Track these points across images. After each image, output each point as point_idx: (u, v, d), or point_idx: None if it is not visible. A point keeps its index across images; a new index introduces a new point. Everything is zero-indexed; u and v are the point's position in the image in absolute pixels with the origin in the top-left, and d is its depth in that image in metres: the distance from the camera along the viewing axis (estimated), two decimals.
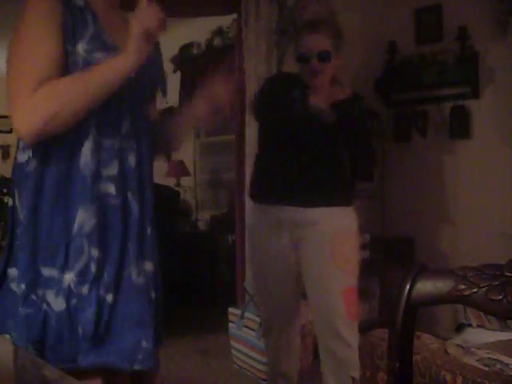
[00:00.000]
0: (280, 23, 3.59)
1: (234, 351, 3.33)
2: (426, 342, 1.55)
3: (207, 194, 5.94)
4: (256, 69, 3.57)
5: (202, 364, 3.49)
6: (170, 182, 5.47)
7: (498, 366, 1.43)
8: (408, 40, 3.79)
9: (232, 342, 3.34)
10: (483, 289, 0.86)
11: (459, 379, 1.35)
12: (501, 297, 0.84)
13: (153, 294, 1.47)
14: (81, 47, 1.37)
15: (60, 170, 1.39)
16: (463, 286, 0.88)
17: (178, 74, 5.54)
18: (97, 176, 1.38)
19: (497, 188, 3.41)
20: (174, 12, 3.38)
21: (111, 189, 1.39)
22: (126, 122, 1.44)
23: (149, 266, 1.46)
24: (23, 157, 1.48)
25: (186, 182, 5.81)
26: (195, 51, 5.35)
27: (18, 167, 1.49)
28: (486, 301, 0.86)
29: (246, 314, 3.28)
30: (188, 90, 5.14)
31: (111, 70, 1.34)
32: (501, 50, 3.35)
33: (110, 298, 1.37)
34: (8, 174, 1.89)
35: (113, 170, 1.40)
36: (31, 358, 1.09)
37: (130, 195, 1.43)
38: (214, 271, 5.08)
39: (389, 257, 3.58)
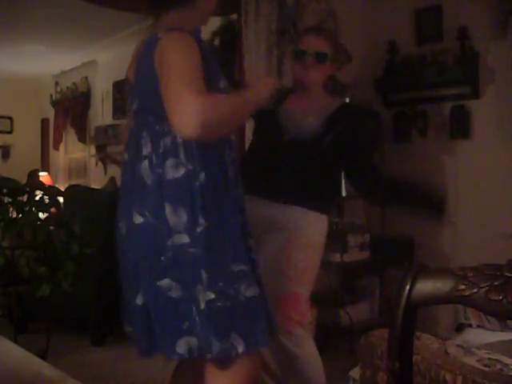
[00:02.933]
0: (280, 23, 3.59)
1: None
2: (425, 342, 1.55)
3: None
4: (256, 69, 3.57)
5: None
6: None
7: (498, 366, 1.43)
8: (408, 40, 3.79)
9: None
10: (483, 289, 0.86)
11: (459, 379, 1.35)
12: (501, 297, 0.84)
13: None
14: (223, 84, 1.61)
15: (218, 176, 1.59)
16: (463, 286, 0.88)
17: None
18: (233, 182, 1.66)
19: (497, 188, 3.41)
20: None
21: (240, 191, 1.70)
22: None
23: None
24: (179, 172, 1.53)
25: None
26: None
27: (176, 183, 1.53)
28: (486, 301, 0.86)
29: None
30: None
31: (249, 100, 1.61)
32: (501, 50, 3.35)
33: None
34: (8, 173, 1.89)
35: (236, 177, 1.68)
36: (31, 358, 1.09)
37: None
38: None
39: (389, 257, 3.59)
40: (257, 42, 3.58)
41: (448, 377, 1.38)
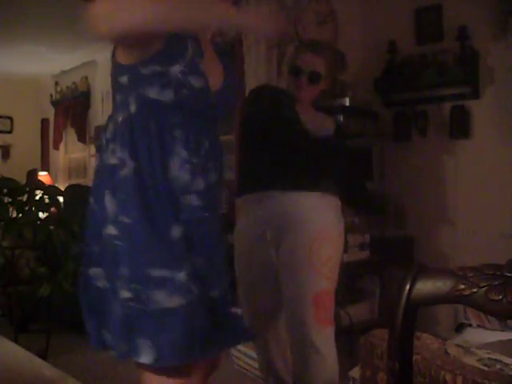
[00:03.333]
0: None
1: (234, 351, 3.32)
2: (425, 342, 1.55)
3: None
4: (256, 69, 3.57)
5: None
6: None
7: (498, 366, 1.43)
8: (408, 40, 3.79)
9: None
10: (483, 289, 0.86)
11: (459, 379, 1.35)
12: (501, 297, 0.84)
13: None
14: (177, 68, 1.38)
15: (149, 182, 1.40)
16: (463, 286, 0.88)
17: None
18: (185, 188, 1.43)
19: (497, 188, 3.41)
20: None
21: (197, 201, 1.46)
22: (208, 140, 1.49)
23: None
24: (113, 160, 1.43)
25: None
26: None
27: (109, 169, 1.43)
28: (486, 301, 0.86)
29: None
30: None
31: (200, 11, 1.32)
32: (501, 50, 3.35)
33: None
34: (8, 174, 1.89)
35: (197, 183, 1.45)
36: (31, 358, 1.09)
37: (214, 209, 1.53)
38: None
39: (389, 257, 3.58)
40: (257, 43, 3.58)
41: (448, 377, 1.38)
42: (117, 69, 1.47)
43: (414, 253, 3.71)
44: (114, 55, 1.48)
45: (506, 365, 1.45)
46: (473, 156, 3.52)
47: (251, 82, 3.56)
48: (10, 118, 8.02)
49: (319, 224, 2.21)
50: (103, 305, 1.45)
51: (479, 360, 1.47)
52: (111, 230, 1.41)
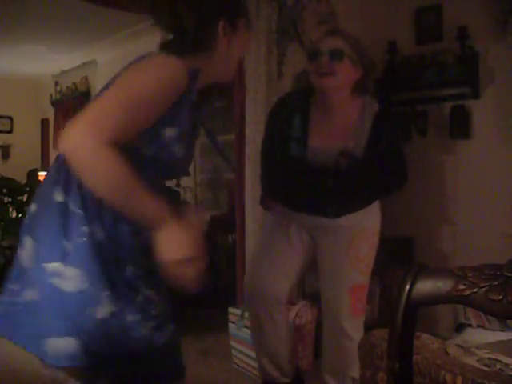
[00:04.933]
0: (280, 23, 3.58)
1: (233, 351, 3.32)
2: (425, 342, 1.55)
3: (207, 194, 5.94)
4: (256, 69, 3.56)
5: (202, 364, 3.48)
6: (170, 182, 5.46)
7: (498, 366, 1.43)
8: (408, 40, 3.79)
9: (232, 342, 3.34)
10: (483, 289, 0.86)
11: (459, 379, 1.35)
12: (501, 297, 0.84)
13: None
14: (168, 132, 1.39)
15: None
16: (463, 286, 0.88)
17: None
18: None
19: (497, 188, 3.41)
20: None
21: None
22: None
23: None
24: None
25: (186, 182, 5.81)
26: None
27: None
28: (486, 301, 0.86)
29: (246, 314, 3.27)
30: None
31: (147, 207, 1.35)
32: (501, 50, 3.35)
33: None
34: (8, 174, 1.90)
35: None
36: (31, 358, 1.09)
37: None
38: (214, 271, 5.08)
39: (389, 257, 3.58)
40: (257, 42, 3.57)
41: (448, 377, 1.38)
42: None
43: (414, 253, 3.70)
44: None
45: (506, 365, 1.45)
46: (473, 156, 3.52)
47: (251, 82, 3.56)
48: (10, 118, 8.02)
49: (359, 225, 2.32)
50: None
51: (479, 360, 1.47)
52: None
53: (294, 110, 2.26)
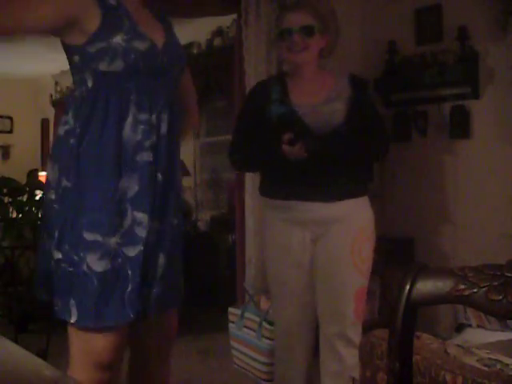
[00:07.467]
0: None
1: (233, 351, 3.32)
2: (425, 342, 1.55)
3: (207, 194, 5.94)
4: (256, 69, 3.56)
5: (202, 364, 3.48)
6: None
7: (498, 366, 1.43)
8: (408, 40, 3.79)
9: (232, 342, 3.34)
10: (483, 289, 0.86)
11: (459, 379, 1.35)
12: (501, 297, 0.84)
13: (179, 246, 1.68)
14: (119, 38, 1.50)
15: (102, 141, 1.51)
16: (463, 286, 0.88)
17: None
18: (137, 147, 1.53)
19: (497, 188, 3.41)
20: (173, 12, 3.38)
21: (149, 157, 1.54)
22: (162, 96, 1.59)
23: (176, 221, 1.65)
24: (64, 128, 1.56)
25: (186, 182, 5.82)
26: (195, 51, 5.35)
27: (58, 140, 1.59)
28: (486, 301, 0.86)
29: (246, 314, 3.27)
30: None
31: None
32: (501, 50, 3.35)
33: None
34: (8, 174, 1.95)
35: (150, 141, 1.55)
36: (31, 358, 1.09)
37: (162, 162, 1.58)
38: (214, 271, 5.08)
39: (389, 257, 3.58)
40: (257, 42, 3.57)
41: (448, 377, 1.38)
42: (67, 49, 1.59)
43: (414, 253, 3.71)
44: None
45: (506, 365, 1.45)
46: (473, 156, 3.52)
47: (251, 82, 3.56)
48: (10, 118, 8.02)
49: (359, 224, 2.27)
50: (44, 265, 1.57)
51: (479, 360, 1.47)
52: (51, 195, 1.56)
53: (272, 84, 2.30)
